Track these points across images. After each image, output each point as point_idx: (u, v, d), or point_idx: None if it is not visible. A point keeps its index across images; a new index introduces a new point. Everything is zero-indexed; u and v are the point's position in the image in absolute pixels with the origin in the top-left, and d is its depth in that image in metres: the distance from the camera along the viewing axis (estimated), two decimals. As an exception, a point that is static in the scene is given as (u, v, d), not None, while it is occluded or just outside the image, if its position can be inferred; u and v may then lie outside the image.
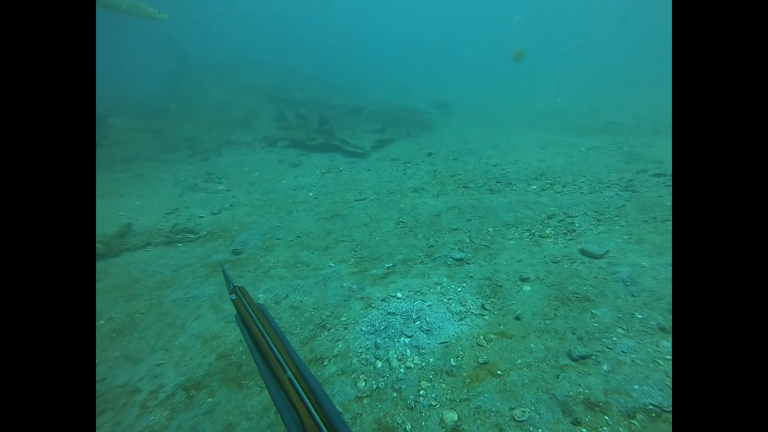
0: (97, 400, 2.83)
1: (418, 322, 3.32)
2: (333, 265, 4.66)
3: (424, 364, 2.87)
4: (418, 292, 3.83)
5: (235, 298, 1.55)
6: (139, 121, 13.96)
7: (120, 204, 7.78)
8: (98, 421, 2.65)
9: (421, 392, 2.63)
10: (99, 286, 4.57)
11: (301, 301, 3.94)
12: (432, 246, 4.86)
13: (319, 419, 0.89)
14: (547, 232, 4.81)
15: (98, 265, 5.13)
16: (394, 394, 2.63)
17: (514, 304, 3.47)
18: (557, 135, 10.76)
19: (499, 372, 2.73)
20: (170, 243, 5.67)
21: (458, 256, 4.45)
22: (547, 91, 20.12)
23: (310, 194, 7.59)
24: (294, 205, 6.99)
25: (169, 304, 4.10)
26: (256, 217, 6.56)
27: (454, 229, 5.24)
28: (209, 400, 2.78)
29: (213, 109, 15.61)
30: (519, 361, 2.80)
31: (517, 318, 3.28)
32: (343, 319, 3.55)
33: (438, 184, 7.34)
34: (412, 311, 3.48)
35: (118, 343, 3.56)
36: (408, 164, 9.19)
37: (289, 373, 1.03)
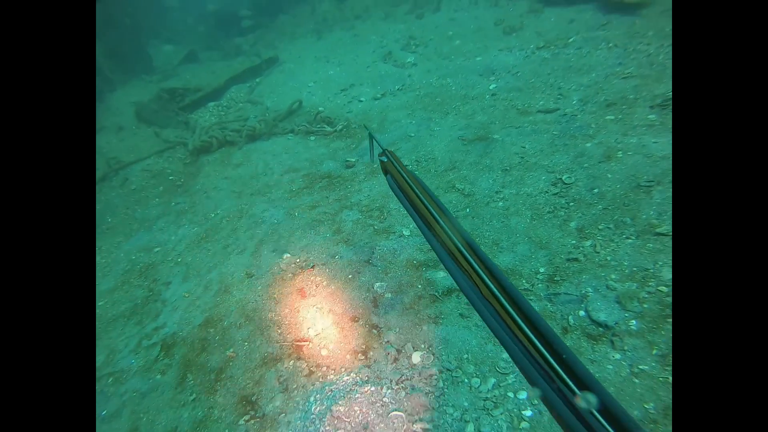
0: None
1: None
2: (407, 234, 3.21)
3: None
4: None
5: (386, 159, 1.45)
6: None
7: (320, 71, 7.93)
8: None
9: None
10: (236, 172, 4.96)
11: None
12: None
13: (494, 287, 0.81)
14: None
15: (252, 145, 5.53)
16: None
17: None
18: None
19: None
20: (308, 133, 5.39)
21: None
22: None
23: (492, 86, 5.35)
24: (461, 103, 5.13)
25: (247, 218, 4.00)
26: (405, 114, 5.26)
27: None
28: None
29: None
30: None
31: None
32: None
33: None
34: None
35: (208, 242, 3.84)
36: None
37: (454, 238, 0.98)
